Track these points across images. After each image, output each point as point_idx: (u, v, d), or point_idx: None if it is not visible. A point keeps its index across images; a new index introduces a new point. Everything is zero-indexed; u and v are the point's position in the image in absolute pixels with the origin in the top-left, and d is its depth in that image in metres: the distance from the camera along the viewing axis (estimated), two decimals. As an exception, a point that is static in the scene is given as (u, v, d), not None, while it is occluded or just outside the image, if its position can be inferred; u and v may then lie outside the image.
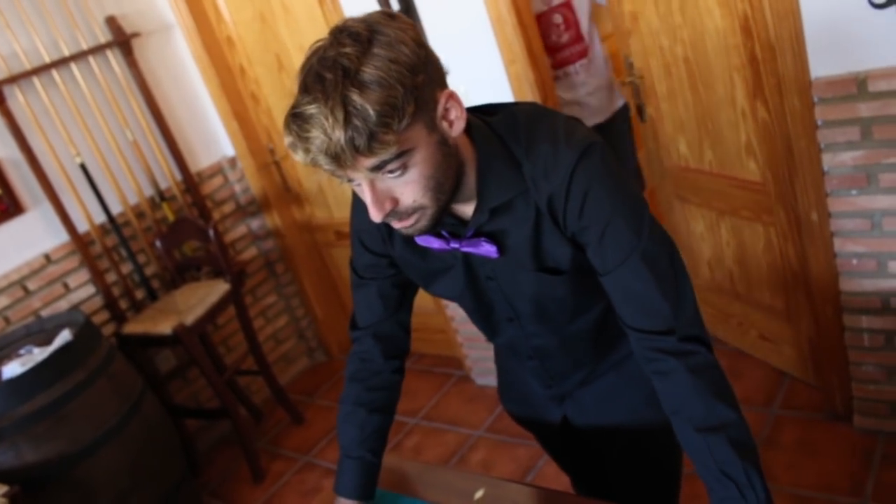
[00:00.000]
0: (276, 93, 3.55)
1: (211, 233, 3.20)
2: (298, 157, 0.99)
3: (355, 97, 0.94)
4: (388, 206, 1.05)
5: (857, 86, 1.95)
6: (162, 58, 3.53)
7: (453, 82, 2.77)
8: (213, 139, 3.73)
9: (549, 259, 1.22)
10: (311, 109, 0.95)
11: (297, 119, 0.97)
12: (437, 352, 3.74)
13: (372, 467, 1.46)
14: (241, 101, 3.67)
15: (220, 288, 3.26)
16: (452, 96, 1.06)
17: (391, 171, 1.01)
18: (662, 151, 2.87)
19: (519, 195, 1.17)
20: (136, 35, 3.36)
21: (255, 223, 3.88)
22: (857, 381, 2.38)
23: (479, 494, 1.42)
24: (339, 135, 0.94)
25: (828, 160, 2.09)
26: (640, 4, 2.59)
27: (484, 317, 1.39)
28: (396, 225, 1.10)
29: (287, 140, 0.99)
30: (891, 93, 1.90)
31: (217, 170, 3.75)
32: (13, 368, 2.56)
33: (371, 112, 0.94)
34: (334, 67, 0.95)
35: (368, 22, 1.00)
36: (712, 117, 2.53)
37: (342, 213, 3.73)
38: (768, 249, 2.59)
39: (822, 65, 2.00)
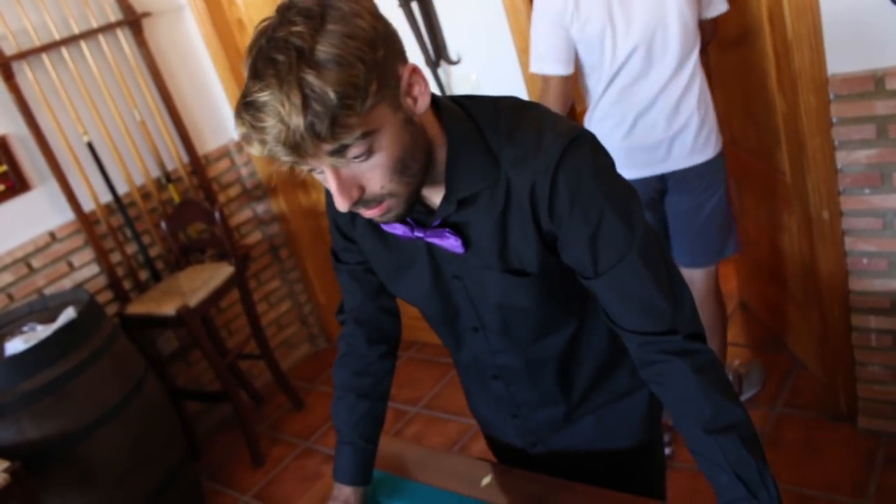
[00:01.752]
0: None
1: (216, 216, 3.19)
2: (254, 149, 0.90)
3: (312, 79, 0.85)
4: (355, 194, 0.98)
5: (874, 83, 1.94)
6: (172, 39, 3.51)
7: (465, 69, 2.76)
8: (220, 122, 3.72)
9: (515, 259, 1.13)
10: (264, 96, 0.86)
11: (249, 108, 0.88)
12: (440, 341, 3.73)
13: (365, 453, 1.43)
14: (250, 84, 3.65)
15: (224, 271, 3.25)
16: (415, 70, 0.98)
17: (356, 157, 0.93)
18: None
19: (490, 186, 1.09)
20: (146, 15, 3.34)
21: (260, 207, 3.86)
22: (862, 382, 2.37)
23: (486, 481, 1.41)
24: (297, 122, 0.85)
25: (842, 158, 2.08)
26: None
27: (449, 323, 1.30)
28: (367, 214, 1.03)
29: (240, 132, 0.90)
30: (908, 91, 1.89)
31: (224, 153, 3.73)
32: (16, 345, 2.55)
33: (331, 94, 0.85)
34: (286, 48, 0.87)
35: None
36: (750, 101, 2.52)
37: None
38: (791, 240, 2.58)
39: (840, 61, 1.98)
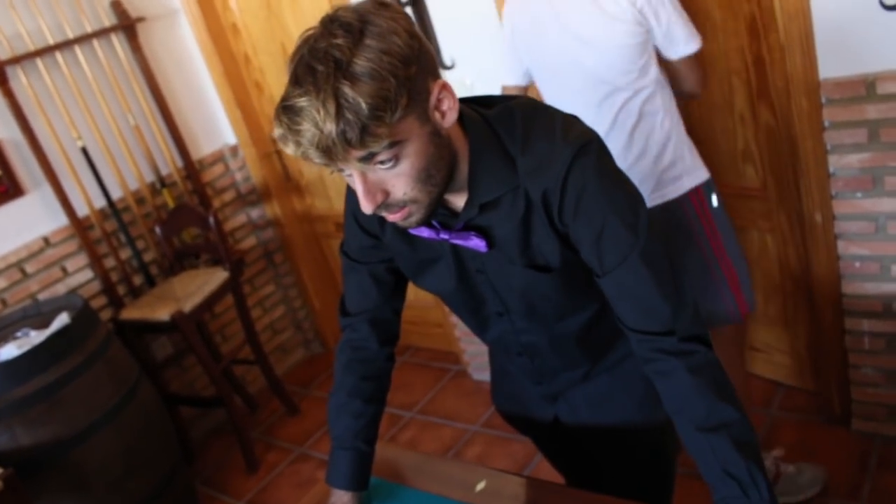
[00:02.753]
0: (281, 82, 3.50)
1: (211, 220, 3.19)
2: (289, 149, 0.98)
3: (347, 90, 0.92)
4: (379, 198, 1.04)
5: (865, 87, 1.94)
6: (166, 43, 3.51)
7: (459, 74, 2.77)
8: (215, 127, 3.72)
9: (538, 256, 1.20)
10: (302, 102, 0.94)
11: (287, 111, 0.95)
12: (435, 346, 3.74)
13: (366, 458, 1.45)
14: (245, 89, 3.65)
15: (219, 276, 3.25)
16: (445, 87, 1.04)
17: (382, 163, 1.00)
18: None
19: (510, 191, 1.15)
20: (140, 19, 3.34)
21: (254, 212, 3.86)
22: (855, 385, 2.38)
23: (480, 486, 1.42)
24: (330, 128, 0.92)
25: (834, 162, 2.08)
26: None
27: (474, 311, 1.37)
28: (389, 217, 1.09)
29: (277, 132, 0.98)
30: (900, 95, 1.90)
31: (218, 157, 3.73)
32: (9, 351, 2.54)
33: (363, 105, 0.93)
34: (326, 59, 0.94)
35: (360, 12, 0.98)
36: (703, 125, 2.47)
37: (342, 205, 3.70)
38: (763, 256, 2.56)
39: (831, 66, 1.99)
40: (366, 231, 1.36)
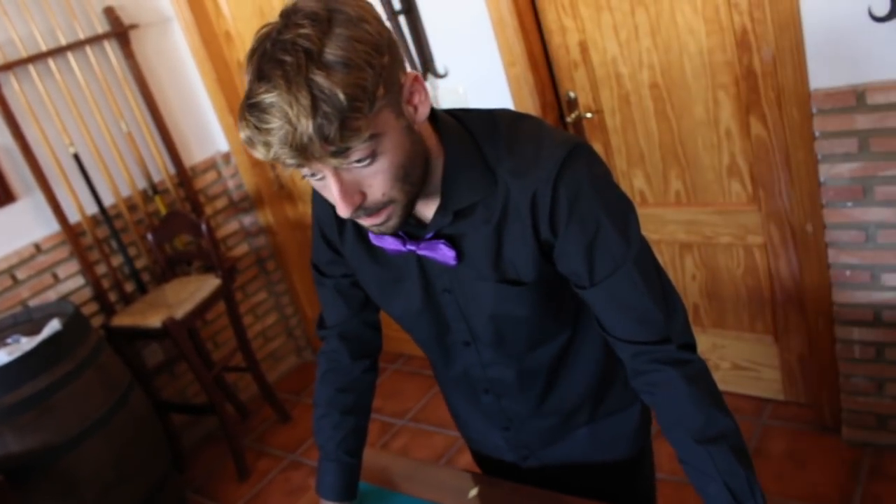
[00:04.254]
0: (273, 89, 3.53)
1: (203, 227, 3.19)
2: (258, 152, 0.89)
3: (321, 80, 0.85)
4: (357, 200, 0.97)
5: (856, 98, 1.96)
6: (159, 50, 3.51)
7: (452, 83, 2.78)
8: (207, 134, 3.71)
9: (510, 269, 1.13)
10: (271, 97, 0.85)
11: (254, 110, 0.87)
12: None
13: (351, 468, 1.42)
14: (238, 96, 3.65)
15: (211, 283, 3.24)
16: (417, 79, 0.98)
17: (359, 161, 0.93)
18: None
19: (486, 198, 1.09)
20: (133, 27, 3.34)
21: (247, 219, 3.86)
22: (846, 393, 2.39)
23: (473, 493, 1.41)
24: (305, 123, 0.85)
25: (825, 171, 2.10)
26: (592, 33, 2.46)
27: (438, 339, 1.29)
28: (367, 222, 1.03)
29: (243, 135, 0.90)
30: (889, 106, 1.92)
31: (211, 164, 3.73)
32: (0, 357, 2.53)
33: (340, 96, 0.85)
34: (294, 50, 0.86)
35: (323, 0, 0.91)
36: (685, 143, 2.47)
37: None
38: (750, 272, 2.56)
39: (822, 76, 2.01)
40: (328, 244, 1.30)
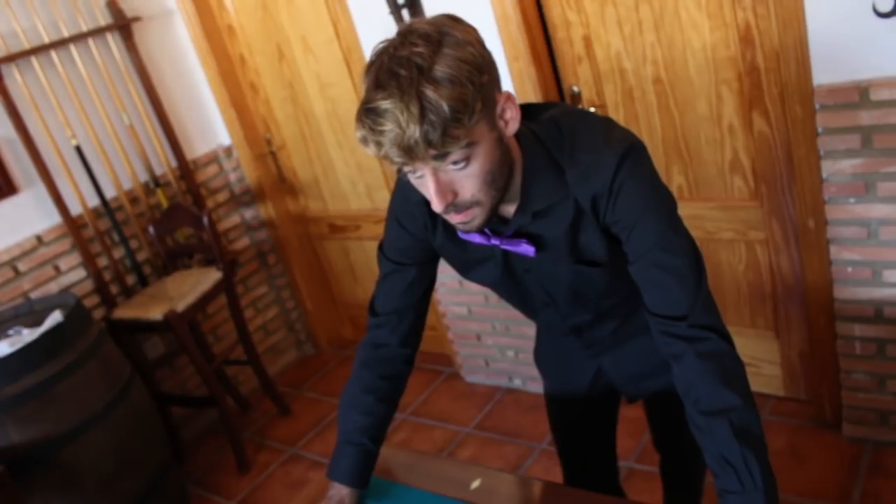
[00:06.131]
0: (276, 83, 3.53)
1: (204, 221, 3.19)
2: (370, 150, 1.04)
3: (430, 93, 0.99)
4: (449, 198, 1.10)
5: (859, 94, 1.96)
6: (162, 43, 3.51)
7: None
8: (209, 127, 3.71)
9: (587, 252, 1.29)
10: (386, 104, 0.99)
11: (370, 114, 1.01)
12: (428, 348, 3.71)
13: (371, 456, 1.47)
14: (240, 89, 3.65)
15: (212, 276, 3.24)
16: (510, 98, 1.12)
17: (455, 163, 1.06)
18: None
19: (561, 199, 1.23)
20: (136, 19, 3.34)
21: (248, 213, 3.86)
22: (846, 389, 2.39)
23: (475, 485, 1.42)
24: (413, 128, 0.99)
25: (827, 167, 2.10)
26: (596, 27, 2.46)
27: (521, 302, 1.48)
28: (454, 219, 1.15)
29: (359, 134, 1.04)
30: (892, 102, 1.92)
31: (213, 158, 3.73)
32: (1, 349, 2.53)
33: (445, 107, 0.99)
34: (408, 65, 1.00)
35: (436, 24, 1.06)
36: (687, 139, 2.47)
37: (336, 206, 3.71)
38: (752, 268, 2.56)
39: (825, 72, 2.01)
40: (409, 234, 1.40)
